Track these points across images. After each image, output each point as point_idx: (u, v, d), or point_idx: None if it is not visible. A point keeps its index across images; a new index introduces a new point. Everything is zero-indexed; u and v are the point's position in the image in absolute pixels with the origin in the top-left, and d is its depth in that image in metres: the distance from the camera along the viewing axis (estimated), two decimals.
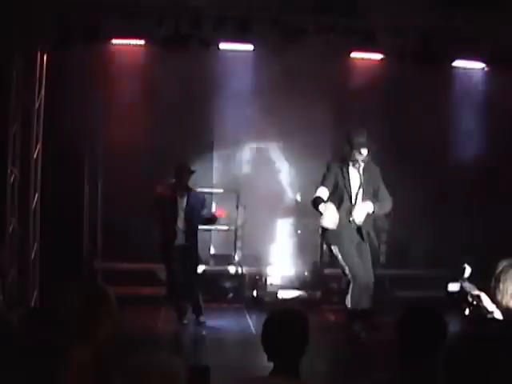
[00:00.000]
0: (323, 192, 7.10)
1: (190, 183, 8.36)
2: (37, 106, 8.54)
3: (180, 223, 8.18)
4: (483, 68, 9.90)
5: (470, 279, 5.06)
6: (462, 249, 9.46)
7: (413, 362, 2.98)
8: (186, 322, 8.28)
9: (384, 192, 7.35)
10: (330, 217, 6.97)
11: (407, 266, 10.05)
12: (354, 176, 7.15)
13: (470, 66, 9.89)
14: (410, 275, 10.13)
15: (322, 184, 7.15)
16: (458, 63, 9.68)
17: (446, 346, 2.38)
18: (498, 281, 3.16)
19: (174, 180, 8.26)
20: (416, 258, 9.94)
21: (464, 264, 5.34)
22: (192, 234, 8.26)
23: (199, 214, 8.28)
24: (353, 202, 7.09)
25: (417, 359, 2.97)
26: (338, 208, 7.06)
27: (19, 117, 8.37)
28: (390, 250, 10.45)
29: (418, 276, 10.10)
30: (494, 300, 3.18)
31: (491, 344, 2.29)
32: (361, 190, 7.13)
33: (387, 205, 7.45)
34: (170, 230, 8.14)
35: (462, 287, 4.28)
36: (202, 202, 8.35)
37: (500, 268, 3.19)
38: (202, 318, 8.32)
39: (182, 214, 8.19)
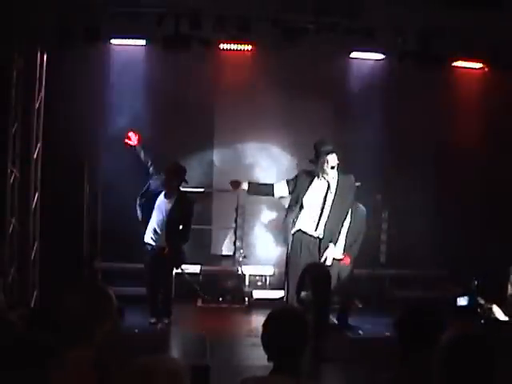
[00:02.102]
0: (281, 186, 7.19)
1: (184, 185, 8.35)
2: (37, 106, 8.54)
3: (161, 224, 8.10)
4: (483, 68, 9.90)
5: (478, 291, 5.08)
6: (462, 249, 9.46)
7: (413, 362, 2.98)
8: (152, 321, 8.21)
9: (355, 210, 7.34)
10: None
11: (407, 266, 10.05)
12: (318, 189, 7.10)
13: (470, 66, 9.89)
14: (410, 275, 10.13)
15: (286, 182, 7.22)
16: (458, 63, 9.69)
17: (446, 346, 2.38)
18: None
19: (164, 178, 8.15)
20: (416, 257, 9.94)
21: (472, 278, 5.36)
22: (171, 237, 8.12)
23: (182, 220, 8.16)
24: (300, 213, 7.11)
25: (417, 359, 2.97)
26: (296, 218, 7.11)
27: (19, 117, 8.37)
28: (389, 250, 10.45)
29: (417, 276, 10.11)
30: None
31: (492, 344, 2.30)
32: (327, 203, 7.10)
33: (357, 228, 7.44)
34: (153, 231, 8.11)
35: (471, 301, 4.29)
36: (189, 208, 8.22)
37: None
38: (166, 320, 8.24)
39: (164, 216, 8.09)
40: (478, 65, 9.83)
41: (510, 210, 9.40)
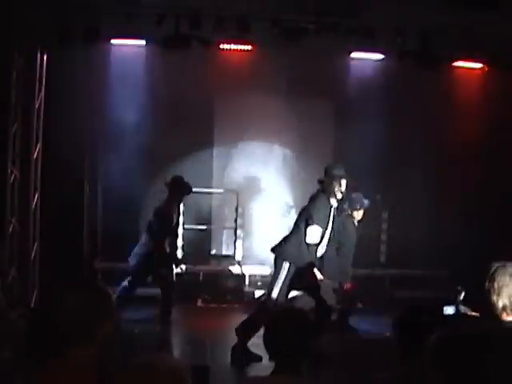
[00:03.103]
0: (318, 234, 6.98)
1: None
2: (37, 106, 8.54)
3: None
4: (483, 68, 9.90)
5: (464, 301, 5.10)
6: (462, 249, 9.46)
7: (412, 361, 2.98)
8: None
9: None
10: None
11: (407, 265, 10.05)
12: (332, 212, 7.16)
13: (470, 66, 9.90)
14: (410, 275, 10.14)
15: (317, 223, 6.93)
16: (458, 63, 9.69)
17: (433, 346, 2.38)
18: (492, 281, 3.16)
19: (172, 194, 8.22)
20: (416, 258, 9.94)
21: (458, 287, 5.38)
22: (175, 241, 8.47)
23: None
24: (323, 238, 7.10)
25: (416, 358, 2.97)
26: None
27: (19, 117, 8.37)
28: (389, 250, 10.46)
29: (418, 276, 10.11)
30: (489, 301, 3.18)
31: (487, 343, 2.30)
32: (329, 225, 7.13)
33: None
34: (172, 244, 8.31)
35: (457, 310, 4.31)
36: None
37: (493, 268, 3.19)
38: (166, 320, 8.28)
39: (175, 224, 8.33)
40: (478, 65, 9.84)
41: (510, 210, 9.40)
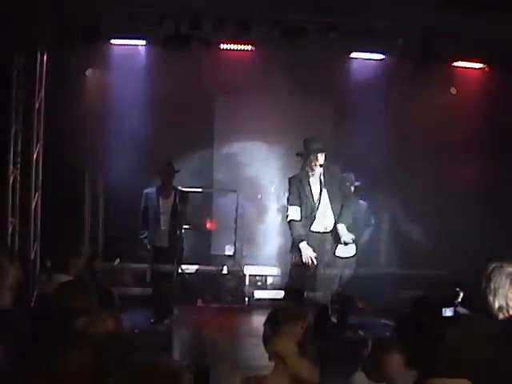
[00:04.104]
0: (296, 212, 7.12)
1: (177, 183, 8.42)
2: (37, 106, 8.55)
3: (164, 224, 8.17)
4: (483, 68, 9.90)
5: (463, 302, 5.10)
6: (463, 249, 9.46)
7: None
8: (153, 320, 8.26)
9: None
10: (308, 254, 7.04)
11: (407, 265, 10.05)
12: (315, 184, 7.16)
13: (470, 66, 9.89)
14: (410, 275, 10.13)
15: (291, 203, 7.16)
16: (458, 63, 9.69)
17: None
18: (488, 280, 3.15)
19: (159, 181, 8.27)
20: (416, 258, 9.94)
21: (456, 288, 5.38)
22: (177, 234, 8.28)
23: (184, 214, 8.28)
24: (314, 211, 7.11)
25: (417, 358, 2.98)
26: (301, 218, 7.12)
27: (19, 117, 8.37)
28: (390, 250, 10.45)
29: (417, 276, 10.10)
30: (485, 301, 3.18)
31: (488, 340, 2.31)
32: (324, 195, 7.14)
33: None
34: (153, 231, 8.15)
35: (456, 312, 4.32)
36: (186, 201, 8.35)
37: (490, 268, 3.19)
38: (167, 320, 8.29)
39: (167, 215, 8.18)
40: (478, 65, 9.83)
41: (510, 210, 9.40)
